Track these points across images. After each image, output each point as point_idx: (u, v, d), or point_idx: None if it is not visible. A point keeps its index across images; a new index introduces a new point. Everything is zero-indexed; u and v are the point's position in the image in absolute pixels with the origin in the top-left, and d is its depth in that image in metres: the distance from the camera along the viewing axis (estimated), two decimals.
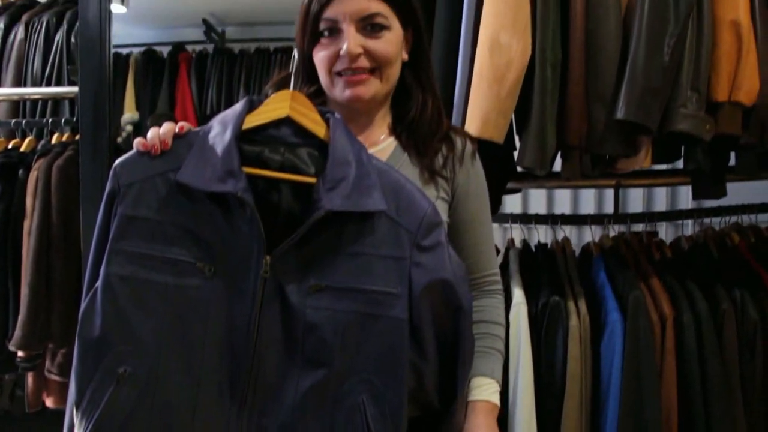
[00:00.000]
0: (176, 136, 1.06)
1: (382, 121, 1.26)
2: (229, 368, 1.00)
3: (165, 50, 3.69)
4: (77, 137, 2.12)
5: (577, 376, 1.69)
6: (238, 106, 1.09)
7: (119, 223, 1.01)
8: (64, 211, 2.13)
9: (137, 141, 1.06)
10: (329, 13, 1.14)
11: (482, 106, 1.53)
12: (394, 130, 1.26)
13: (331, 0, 1.14)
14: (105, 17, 1.97)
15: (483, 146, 1.52)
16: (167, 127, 1.06)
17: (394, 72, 1.21)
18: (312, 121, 1.08)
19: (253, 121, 1.07)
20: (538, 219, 2.03)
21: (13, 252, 2.17)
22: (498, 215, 1.96)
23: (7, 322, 2.16)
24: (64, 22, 2.47)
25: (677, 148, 1.78)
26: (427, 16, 1.71)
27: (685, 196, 2.69)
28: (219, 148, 1.01)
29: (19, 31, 2.50)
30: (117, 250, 1.00)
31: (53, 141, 2.25)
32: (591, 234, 2.02)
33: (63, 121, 2.27)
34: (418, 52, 1.26)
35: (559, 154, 1.66)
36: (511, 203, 2.72)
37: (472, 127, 1.53)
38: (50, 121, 2.28)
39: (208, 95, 3.68)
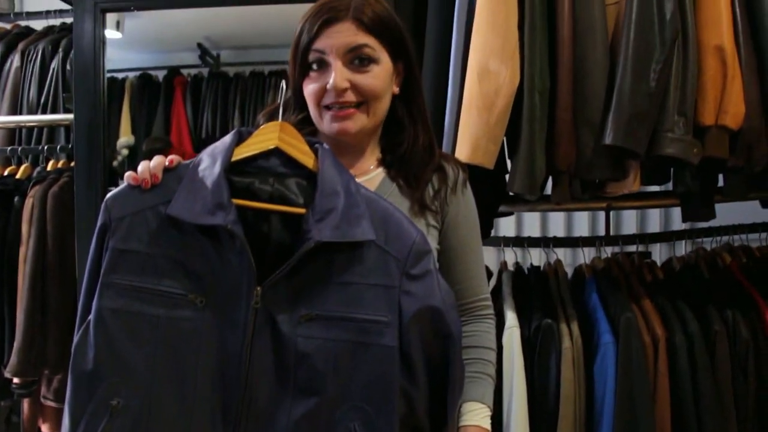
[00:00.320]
0: (166, 170, 1.07)
1: (371, 152, 1.26)
2: (221, 398, 1.01)
3: (160, 74, 3.70)
4: (72, 164, 2.14)
5: (570, 398, 1.70)
6: (227, 139, 1.10)
7: (111, 256, 1.02)
8: (60, 238, 2.14)
9: (128, 175, 1.07)
10: (318, 45, 1.15)
11: (472, 132, 1.56)
12: (384, 161, 1.26)
13: (319, 33, 1.15)
14: (99, 45, 2.00)
15: (474, 170, 1.55)
16: (157, 161, 1.07)
17: (383, 106, 1.21)
18: (301, 151, 1.09)
19: (242, 152, 1.08)
20: (531, 242, 2.05)
21: (8, 278, 2.18)
22: (491, 238, 1.97)
23: (2, 348, 2.16)
24: (60, 50, 2.49)
25: (667, 171, 1.80)
26: (417, 41, 1.74)
27: (678, 217, 2.69)
28: (209, 181, 1.02)
29: (15, 59, 2.53)
30: (109, 284, 1.01)
31: (49, 168, 2.28)
32: (583, 256, 2.03)
33: (58, 148, 2.29)
34: (409, 85, 1.25)
35: (549, 178, 1.68)
36: (505, 225, 2.73)
37: (462, 153, 1.56)
38: (46, 148, 2.31)
39: (203, 118, 3.69)
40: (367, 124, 1.19)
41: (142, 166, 1.07)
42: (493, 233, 2.02)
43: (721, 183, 1.79)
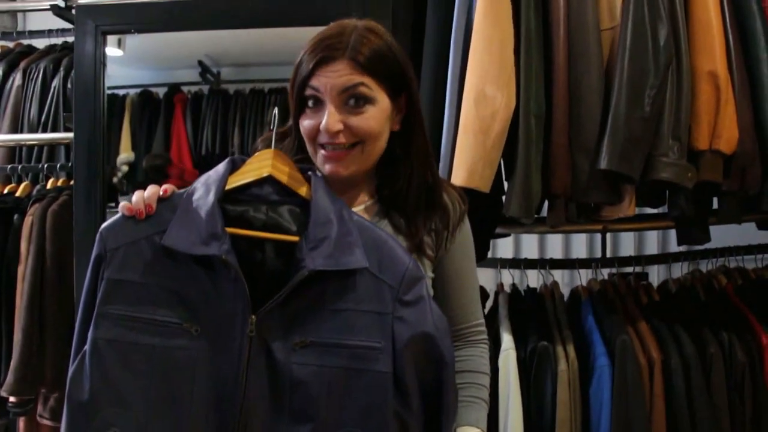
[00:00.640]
0: (161, 199, 1.08)
1: (367, 184, 1.25)
2: (217, 425, 1.01)
3: (161, 91, 3.73)
4: (72, 182, 2.15)
5: (566, 421, 1.70)
6: (221, 167, 1.11)
7: (106, 287, 1.03)
8: (59, 256, 2.15)
9: (122, 205, 1.07)
10: (313, 83, 1.13)
11: (468, 156, 1.57)
12: (379, 194, 1.25)
13: (315, 70, 1.12)
14: (99, 66, 2.01)
15: (471, 191, 1.56)
16: (152, 191, 1.08)
17: (378, 146, 1.18)
18: (294, 179, 1.10)
19: (235, 180, 1.09)
20: (527, 264, 2.06)
21: (6, 297, 2.18)
22: (488, 259, 1.98)
23: None
24: (61, 68, 2.51)
25: (662, 195, 1.81)
26: (415, 65, 1.76)
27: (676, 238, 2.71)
28: (202, 211, 1.03)
29: (17, 78, 2.54)
30: (104, 314, 1.02)
31: (48, 186, 2.28)
32: (579, 278, 2.04)
33: (58, 166, 2.30)
34: (410, 121, 1.21)
35: (545, 201, 1.70)
36: (503, 246, 2.75)
37: (458, 176, 1.57)
38: (46, 166, 2.32)
39: (203, 135, 3.70)
40: (361, 166, 1.17)
41: (137, 196, 1.07)
42: (491, 254, 2.03)
43: (715, 205, 1.80)
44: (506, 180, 1.72)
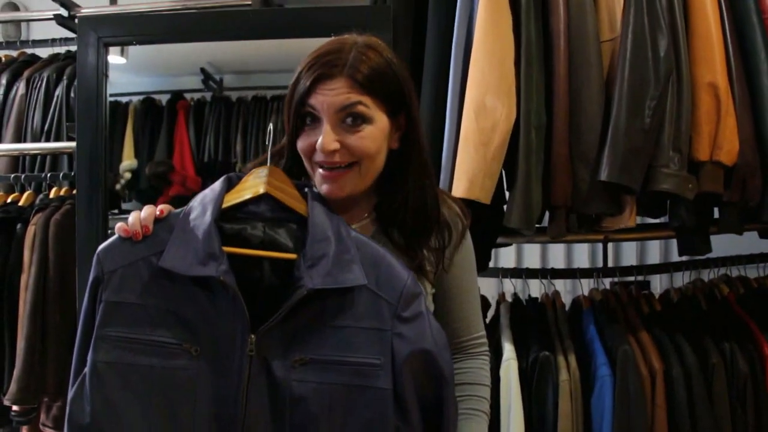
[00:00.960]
0: (157, 220, 1.08)
1: (366, 201, 1.23)
2: None
3: (164, 98, 3.74)
4: (75, 191, 2.16)
5: (568, 431, 1.70)
6: (217, 186, 1.11)
7: (104, 309, 1.03)
8: (61, 265, 2.16)
9: (119, 227, 1.07)
10: (311, 101, 1.11)
11: (469, 168, 1.57)
12: (378, 210, 1.24)
13: (312, 88, 1.11)
14: (102, 78, 2.03)
15: (472, 202, 1.56)
16: (148, 212, 1.08)
17: (376, 165, 1.16)
18: (290, 196, 1.10)
19: (232, 199, 1.09)
20: (529, 273, 2.06)
21: (9, 306, 2.19)
22: (490, 269, 1.98)
23: (2, 376, 2.17)
24: (64, 77, 2.52)
25: (663, 205, 1.81)
26: (415, 77, 1.76)
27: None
28: (199, 231, 1.03)
29: (20, 87, 2.56)
30: (103, 337, 1.02)
31: (51, 195, 2.29)
32: (580, 287, 2.04)
33: (61, 175, 2.31)
34: (410, 138, 1.19)
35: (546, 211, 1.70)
36: (506, 255, 2.75)
37: (459, 188, 1.57)
38: (48, 175, 2.33)
39: (206, 142, 3.71)
40: (358, 185, 1.16)
41: (133, 217, 1.07)
42: (492, 263, 2.03)
43: (716, 215, 1.80)
44: (507, 190, 1.72)
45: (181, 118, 3.68)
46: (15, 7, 3.53)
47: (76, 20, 2.31)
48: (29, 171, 2.48)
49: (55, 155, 2.50)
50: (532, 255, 2.90)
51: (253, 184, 1.09)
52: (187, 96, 3.75)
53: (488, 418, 1.29)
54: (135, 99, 3.70)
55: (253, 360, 1.00)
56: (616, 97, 1.57)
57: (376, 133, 1.13)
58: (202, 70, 3.70)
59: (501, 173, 1.66)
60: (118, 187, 3.42)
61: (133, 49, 2.73)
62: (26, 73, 2.59)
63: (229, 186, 1.11)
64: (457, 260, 1.26)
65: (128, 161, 3.64)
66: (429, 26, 1.80)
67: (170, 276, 1.02)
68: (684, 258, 2.28)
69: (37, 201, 2.29)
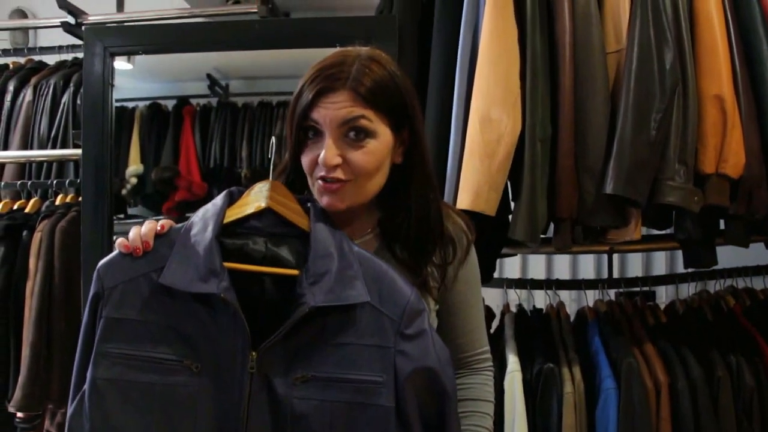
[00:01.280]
0: (158, 235, 1.07)
1: (369, 215, 1.23)
2: None
3: (170, 104, 3.75)
4: (81, 198, 2.17)
5: None
6: (219, 201, 1.10)
7: (104, 325, 1.02)
8: (67, 273, 2.16)
9: (119, 242, 1.06)
10: (313, 114, 1.10)
11: (474, 180, 1.57)
12: (381, 225, 1.23)
13: (315, 102, 1.09)
14: (108, 87, 2.03)
15: (477, 213, 1.55)
16: (148, 227, 1.07)
17: (376, 181, 1.15)
18: (293, 211, 1.09)
19: (233, 214, 1.08)
20: (534, 284, 2.05)
21: (15, 313, 2.19)
22: (495, 279, 1.98)
23: (7, 382, 2.17)
24: (71, 84, 2.54)
25: (668, 217, 1.80)
26: (420, 88, 1.76)
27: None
28: (200, 247, 1.03)
29: (28, 94, 2.57)
30: (103, 353, 1.01)
31: (57, 202, 2.30)
32: (585, 298, 2.04)
33: (67, 182, 2.32)
34: (413, 153, 1.18)
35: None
36: (511, 266, 2.74)
37: (463, 200, 1.57)
38: (54, 182, 2.33)
39: (211, 147, 3.72)
40: (357, 199, 1.14)
41: (133, 233, 1.06)
42: (497, 273, 2.02)
43: (722, 226, 1.79)
44: (512, 201, 1.72)
45: (187, 123, 3.69)
46: (23, 14, 3.55)
47: (83, 27, 2.32)
48: (35, 178, 2.49)
49: (62, 162, 2.51)
50: (537, 265, 2.89)
51: (255, 198, 1.08)
52: (193, 101, 3.77)
53: None
54: (141, 104, 3.72)
55: (254, 377, 1.00)
56: (621, 109, 1.57)
57: (379, 147, 1.12)
58: (209, 76, 3.71)
59: (506, 184, 1.66)
60: (124, 191, 3.44)
61: (139, 56, 2.74)
62: (33, 80, 2.60)
63: (231, 201, 1.11)
64: (462, 276, 1.25)
65: (134, 166, 3.65)
66: (434, 37, 1.79)
67: (171, 292, 1.01)
68: (690, 269, 2.27)
69: (43, 208, 2.29)
